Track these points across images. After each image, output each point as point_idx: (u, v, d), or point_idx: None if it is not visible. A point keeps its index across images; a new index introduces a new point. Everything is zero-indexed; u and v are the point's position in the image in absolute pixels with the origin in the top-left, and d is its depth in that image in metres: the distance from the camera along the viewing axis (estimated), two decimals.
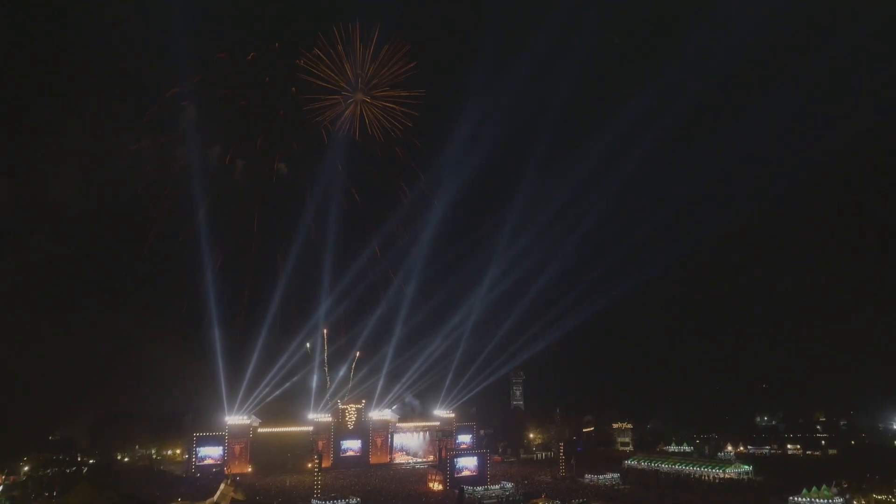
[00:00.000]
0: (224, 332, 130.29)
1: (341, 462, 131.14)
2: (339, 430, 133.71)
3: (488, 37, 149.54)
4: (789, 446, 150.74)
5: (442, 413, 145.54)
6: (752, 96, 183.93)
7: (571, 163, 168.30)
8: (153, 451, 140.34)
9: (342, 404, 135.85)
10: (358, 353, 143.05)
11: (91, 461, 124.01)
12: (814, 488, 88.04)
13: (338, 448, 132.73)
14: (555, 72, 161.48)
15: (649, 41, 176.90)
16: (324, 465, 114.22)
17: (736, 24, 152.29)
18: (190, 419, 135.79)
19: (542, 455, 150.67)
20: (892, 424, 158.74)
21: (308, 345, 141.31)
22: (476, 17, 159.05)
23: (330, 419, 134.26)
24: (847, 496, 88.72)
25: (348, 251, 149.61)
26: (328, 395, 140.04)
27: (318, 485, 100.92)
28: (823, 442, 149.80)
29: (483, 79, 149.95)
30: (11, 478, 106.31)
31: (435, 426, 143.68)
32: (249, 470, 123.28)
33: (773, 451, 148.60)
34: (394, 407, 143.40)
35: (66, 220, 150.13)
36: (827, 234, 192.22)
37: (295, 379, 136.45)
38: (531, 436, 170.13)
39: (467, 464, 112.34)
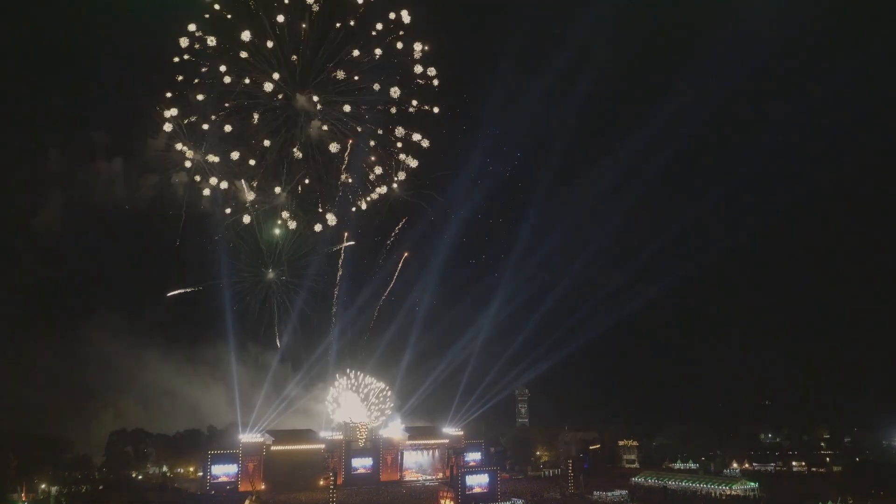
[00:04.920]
0: (239, 351, 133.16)
1: (352, 480, 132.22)
2: (351, 448, 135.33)
3: (500, 56, 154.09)
4: (794, 463, 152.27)
5: (451, 430, 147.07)
6: (758, 116, 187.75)
7: (578, 187, 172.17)
8: (165, 469, 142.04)
9: (353, 422, 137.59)
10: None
11: (98, 478, 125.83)
12: None
13: (349, 466, 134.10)
14: (563, 95, 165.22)
15: (659, 62, 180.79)
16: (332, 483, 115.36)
17: (747, 43, 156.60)
18: (205, 437, 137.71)
19: (549, 472, 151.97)
20: None
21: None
22: (487, 37, 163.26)
23: (341, 437, 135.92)
24: None
25: (362, 270, 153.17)
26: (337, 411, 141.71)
27: (332, 502, 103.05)
28: (828, 459, 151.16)
29: (493, 100, 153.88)
30: (31, 495, 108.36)
31: (444, 444, 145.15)
32: (263, 487, 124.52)
33: (778, 468, 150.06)
34: (402, 427, 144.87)
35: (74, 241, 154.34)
36: (831, 250, 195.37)
37: (309, 396, 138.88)
38: (538, 453, 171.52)
39: (478, 481, 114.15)
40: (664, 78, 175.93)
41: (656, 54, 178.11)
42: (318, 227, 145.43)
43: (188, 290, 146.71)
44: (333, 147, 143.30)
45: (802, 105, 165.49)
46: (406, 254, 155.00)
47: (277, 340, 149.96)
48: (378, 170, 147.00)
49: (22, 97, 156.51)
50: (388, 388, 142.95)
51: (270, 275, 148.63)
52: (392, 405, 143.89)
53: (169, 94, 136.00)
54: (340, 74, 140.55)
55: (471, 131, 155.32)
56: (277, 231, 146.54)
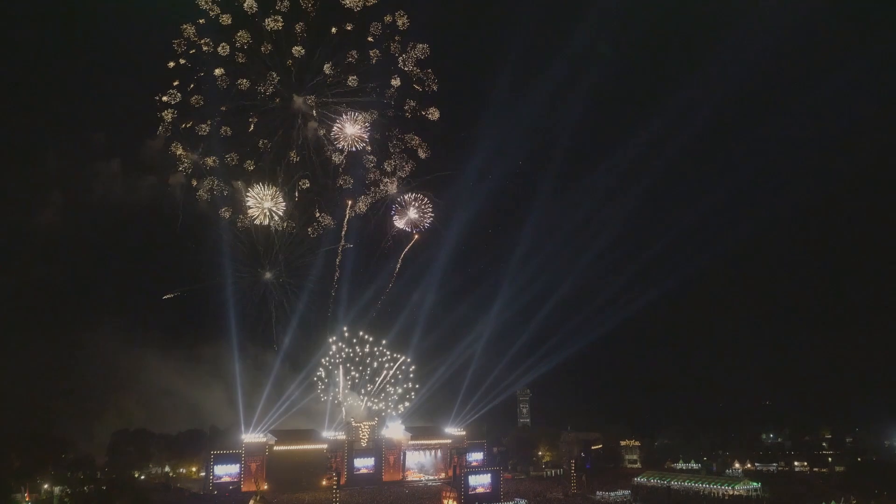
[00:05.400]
0: (240, 352, 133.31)
1: (354, 480, 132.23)
2: (353, 448, 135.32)
3: (502, 63, 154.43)
4: (796, 463, 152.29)
5: (453, 430, 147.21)
6: (762, 119, 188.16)
7: (581, 188, 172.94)
8: (168, 469, 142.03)
9: (355, 423, 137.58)
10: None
11: (103, 478, 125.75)
12: None
13: (351, 466, 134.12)
14: (567, 96, 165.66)
15: (658, 67, 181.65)
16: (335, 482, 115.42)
17: (748, 47, 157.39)
18: (208, 437, 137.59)
19: (551, 472, 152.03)
20: None
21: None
22: (489, 44, 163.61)
23: (344, 437, 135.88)
24: None
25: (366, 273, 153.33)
26: (342, 413, 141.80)
27: (336, 502, 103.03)
28: (830, 459, 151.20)
29: (497, 102, 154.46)
30: (34, 495, 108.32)
31: (447, 444, 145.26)
32: (265, 487, 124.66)
33: (780, 468, 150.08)
34: (403, 427, 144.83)
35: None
36: (832, 251, 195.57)
37: (311, 397, 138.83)
38: (539, 453, 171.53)
39: (481, 481, 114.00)
40: (661, 85, 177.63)
41: (656, 58, 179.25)
42: (311, 232, 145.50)
43: (186, 290, 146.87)
44: (332, 154, 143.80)
45: (799, 109, 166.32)
46: (416, 236, 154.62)
47: (275, 341, 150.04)
48: (373, 174, 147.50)
49: (21, 98, 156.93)
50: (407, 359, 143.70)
51: (268, 275, 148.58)
52: (414, 384, 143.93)
53: (166, 98, 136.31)
54: (334, 75, 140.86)
55: (471, 135, 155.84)
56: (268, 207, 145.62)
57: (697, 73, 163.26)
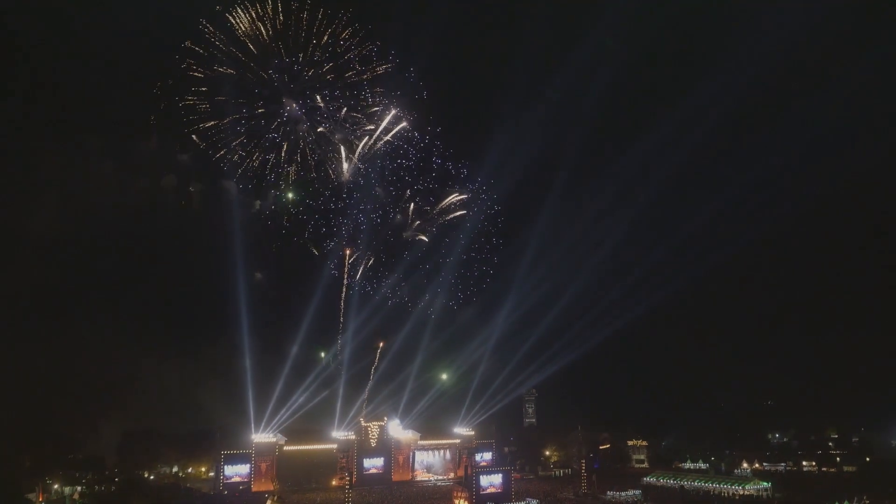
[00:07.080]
0: (252, 352, 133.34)
1: (364, 479, 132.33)
2: (362, 448, 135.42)
3: (513, 64, 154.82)
4: (804, 463, 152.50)
5: (462, 431, 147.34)
6: (766, 122, 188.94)
7: (589, 192, 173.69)
8: (177, 469, 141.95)
9: (365, 422, 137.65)
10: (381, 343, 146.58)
11: (117, 479, 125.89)
12: None
13: (360, 466, 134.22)
14: (576, 102, 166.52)
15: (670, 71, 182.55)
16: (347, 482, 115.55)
17: (758, 48, 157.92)
18: (217, 437, 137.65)
19: (559, 472, 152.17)
20: None
21: (326, 355, 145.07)
22: (501, 47, 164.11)
23: (353, 437, 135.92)
24: None
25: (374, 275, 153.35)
26: (352, 413, 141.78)
27: (348, 502, 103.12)
28: (838, 459, 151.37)
29: (507, 106, 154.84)
30: (45, 495, 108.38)
31: (455, 444, 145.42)
32: (276, 487, 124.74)
33: (788, 468, 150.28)
34: (401, 426, 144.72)
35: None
36: (836, 250, 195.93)
37: (321, 397, 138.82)
38: (547, 453, 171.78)
39: (492, 481, 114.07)
40: (665, 91, 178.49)
41: (664, 63, 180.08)
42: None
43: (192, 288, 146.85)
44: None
45: (802, 112, 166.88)
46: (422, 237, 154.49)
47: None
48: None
49: (17, 99, 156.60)
50: None
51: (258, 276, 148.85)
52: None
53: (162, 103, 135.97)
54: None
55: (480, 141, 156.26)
56: None
57: (703, 76, 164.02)
